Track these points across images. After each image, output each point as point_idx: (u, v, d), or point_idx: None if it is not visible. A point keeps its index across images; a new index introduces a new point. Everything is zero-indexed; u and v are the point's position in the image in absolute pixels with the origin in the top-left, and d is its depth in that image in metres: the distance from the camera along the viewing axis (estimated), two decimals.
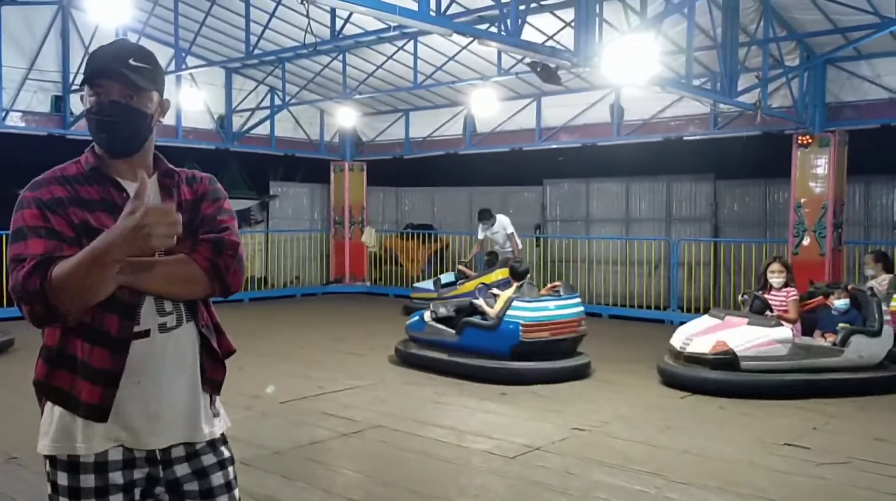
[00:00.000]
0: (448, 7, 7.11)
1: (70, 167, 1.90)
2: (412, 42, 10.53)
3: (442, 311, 7.88)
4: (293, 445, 5.25)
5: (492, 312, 7.34)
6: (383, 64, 11.29)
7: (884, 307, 6.81)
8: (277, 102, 13.31)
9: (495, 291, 8.35)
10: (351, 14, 8.41)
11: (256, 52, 10.13)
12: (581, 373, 7.28)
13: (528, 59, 7.22)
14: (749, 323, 6.76)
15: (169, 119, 12.37)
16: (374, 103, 13.77)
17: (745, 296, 7.47)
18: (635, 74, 6.46)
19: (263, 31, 9.84)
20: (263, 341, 9.14)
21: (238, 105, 13.13)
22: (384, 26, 8.48)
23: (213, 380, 2.00)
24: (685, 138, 11.18)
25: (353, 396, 6.63)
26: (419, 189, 17.15)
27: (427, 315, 7.91)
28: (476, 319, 7.50)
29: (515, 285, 7.59)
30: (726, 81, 7.95)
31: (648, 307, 11.64)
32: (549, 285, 8.17)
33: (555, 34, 9.05)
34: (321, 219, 15.93)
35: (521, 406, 6.32)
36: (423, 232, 15.02)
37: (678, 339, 7.07)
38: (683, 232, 13.14)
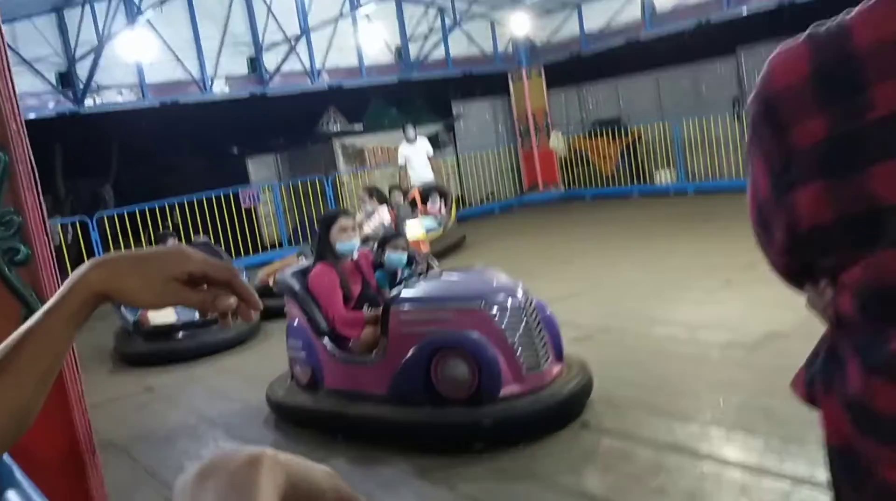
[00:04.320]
0: None
1: None
2: None
3: None
4: None
5: None
6: None
7: None
8: (448, 22, 13.31)
9: None
10: None
11: None
12: None
13: None
14: None
15: (351, 60, 12.89)
16: (544, 2, 13.34)
17: None
18: None
19: None
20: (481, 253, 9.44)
21: (412, 34, 13.31)
22: None
23: None
24: None
25: (575, 302, 6.72)
26: (601, 83, 16.48)
27: None
28: None
29: None
30: None
31: None
32: None
33: None
34: (506, 131, 15.93)
35: (751, 294, 6.06)
36: (611, 127, 14.55)
37: None
38: None
